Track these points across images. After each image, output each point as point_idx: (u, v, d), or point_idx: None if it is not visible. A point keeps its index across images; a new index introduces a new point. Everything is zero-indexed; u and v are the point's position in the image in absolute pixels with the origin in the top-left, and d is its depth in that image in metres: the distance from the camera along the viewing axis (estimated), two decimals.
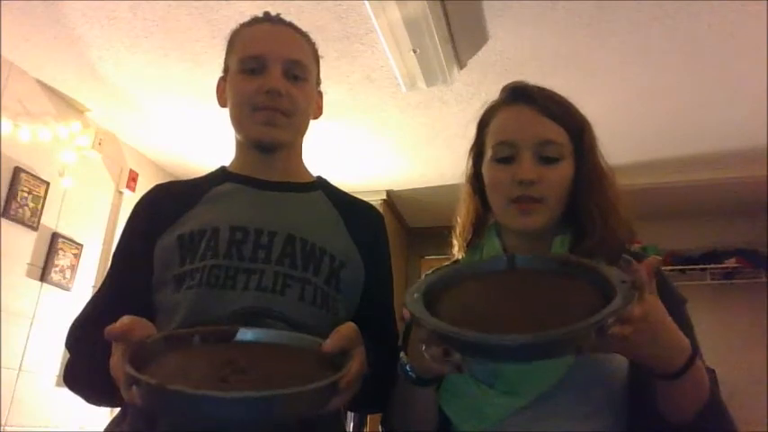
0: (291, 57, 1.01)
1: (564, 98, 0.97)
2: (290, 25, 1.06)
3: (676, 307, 0.87)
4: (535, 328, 0.62)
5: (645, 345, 0.69)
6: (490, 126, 0.98)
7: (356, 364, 0.73)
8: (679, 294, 0.90)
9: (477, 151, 1.01)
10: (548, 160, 0.91)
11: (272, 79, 0.98)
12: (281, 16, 1.08)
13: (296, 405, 0.66)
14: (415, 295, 0.73)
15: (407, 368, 0.81)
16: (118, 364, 0.70)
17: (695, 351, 0.73)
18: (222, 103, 1.07)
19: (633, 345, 0.67)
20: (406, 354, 0.83)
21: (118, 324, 0.73)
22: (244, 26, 1.07)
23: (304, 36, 1.07)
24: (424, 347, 0.72)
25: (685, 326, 0.86)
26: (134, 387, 0.66)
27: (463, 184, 1.05)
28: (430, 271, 1.09)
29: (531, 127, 0.92)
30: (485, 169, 0.98)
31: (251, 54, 1.00)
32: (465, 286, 0.78)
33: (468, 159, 1.04)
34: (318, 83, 1.11)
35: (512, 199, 0.91)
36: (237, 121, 1.03)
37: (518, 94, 0.97)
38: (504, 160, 0.93)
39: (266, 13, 1.08)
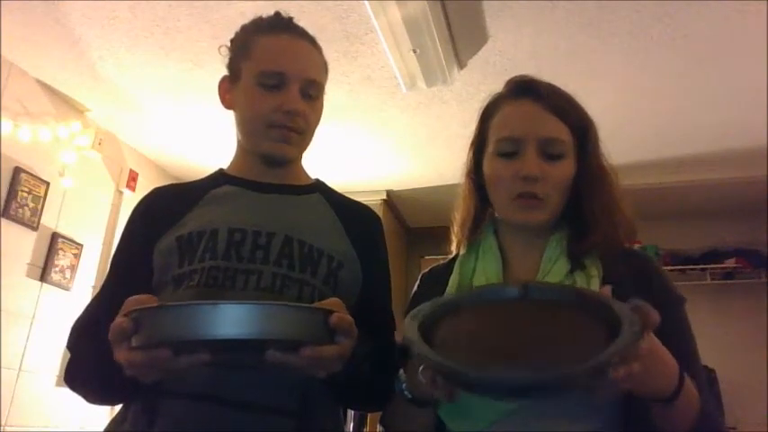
0: (310, 77, 1.01)
1: (569, 95, 0.96)
2: (307, 36, 1.05)
3: (675, 306, 0.87)
4: (536, 366, 0.60)
5: (643, 379, 0.68)
6: (494, 119, 0.97)
7: (348, 316, 0.75)
8: (678, 294, 0.89)
9: (479, 144, 1.00)
10: (552, 157, 0.90)
11: (291, 99, 0.98)
12: (292, 17, 1.06)
13: (290, 324, 0.68)
14: (414, 320, 0.73)
15: (403, 387, 0.81)
16: (116, 321, 0.72)
17: (683, 373, 0.73)
18: (227, 106, 1.06)
19: (633, 381, 0.67)
20: (405, 372, 0.82)
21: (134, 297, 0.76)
22: (261, 31, 1.03)
23: (318, 48, 1.07)
24: (420, 369, 0.72)
25: (683, 326, 0.86)
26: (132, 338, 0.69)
27: (462, 179, 1.04)
28: (426, 270, 1.09)
29: (537, 123, 0.92)
30: (486, 163, 0.97)
31: (272, 70, 0.99)
32: (471, 312, 0.77)
33: (468, 153, 1.03)
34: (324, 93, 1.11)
35: (514, 195, 0.91)
36: (249, 134, 1.03)
37: (524, 89, 0.96)
38: (508, 155, 0.92)
39: (278, 15, 1.05)
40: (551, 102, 0.93)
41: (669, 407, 0.73)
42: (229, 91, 1.06)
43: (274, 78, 0.98)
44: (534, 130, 0.91)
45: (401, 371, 0.82)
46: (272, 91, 0.98)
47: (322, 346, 0.71)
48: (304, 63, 1.01)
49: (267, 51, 1.01)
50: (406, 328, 0.71)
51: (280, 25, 1.04)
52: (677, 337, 0.74)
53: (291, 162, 1.05)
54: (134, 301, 0.75)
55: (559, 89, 0.96)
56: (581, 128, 0.94)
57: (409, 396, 0.80)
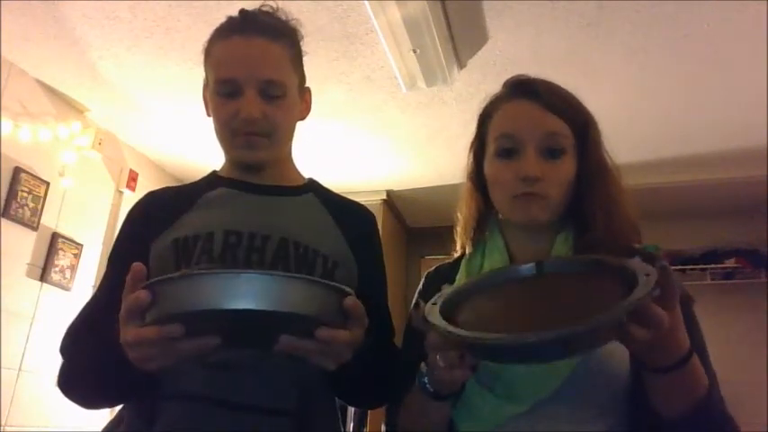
0: (266, 76, 0.96)
1: (568, 92, 0.96)
2: (266, 31, 0.99)
3: (685, 306, 0.86)
4: (558, 327, 0.61)
5: (657, 345, 0.68)
6: (492, 120, 0.97)
7: (362, 305, 0.73)
8: (687, 293, 0.88)
9: (478, 146, 1.00)
10: (552, 154, 0.90)
11: (246, 105, 0.95)
12: (257, 9, 1.03)
13: (305, 295, 0.67)
14: (433, 305, 0.73)
15: (425, 380, 0.80)
16: (133, 294, 0.69)
17: (692, 351, 0.72)
18: (208, 114, 1.06)
19: (648, 344, 0.66)
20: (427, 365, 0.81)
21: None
22: (217, 37, 1.01)
23: (282, 38, 1.00)
24: (438, 356, 0.72)
25: (693, 325, 0.85)
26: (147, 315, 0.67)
27: (464, 180, 1.04)
28: (432, 269, 1.09)
29: (536, 121, 0.91)
30: (487, 165, 0.97)
31: (224, 78, 0.97)
32: (487, 294, 0.78)
33: (468, 155, 1.03)
34: (303, 82, 1.07)
35: (515, 195, 0.91)
36: (220, 143, 1.03)
37: (522, 89, 0.96)
38: (507, 155, 0.92)
39: (242, 11, 1.02)
40: (549, 100, 0.92)
41: (664, 379, 0.72)
42: (207, 98, 1.05)
43: (228, 86, 0.96)
44: (533, 127, 0.91)
45: (423, 364, 0.81)
46: (230, 98, 0.96)
47: (337, 330, 0.69)
48: (257, 64, 0.97)
49: (220, 59, 0.99)
50: (428, 313, 0.72)
51: (234, 27, 1.00)
52: (688, 336, 0.73)
53: (271, 164, 1.03)
54: (132, 277, 0.72)
55: (557, 87, 0.96)
56: (581, 124, 0.93)
57: (431, 389, 0.79)
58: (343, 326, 0.71)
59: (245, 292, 0.64)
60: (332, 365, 0.73)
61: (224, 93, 0.97)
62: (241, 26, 0.99)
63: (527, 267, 0.81)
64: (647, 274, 0.65)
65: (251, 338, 0.74)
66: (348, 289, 0.72)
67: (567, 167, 0.91)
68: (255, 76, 0.96)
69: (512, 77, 0.99)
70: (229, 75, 0.96)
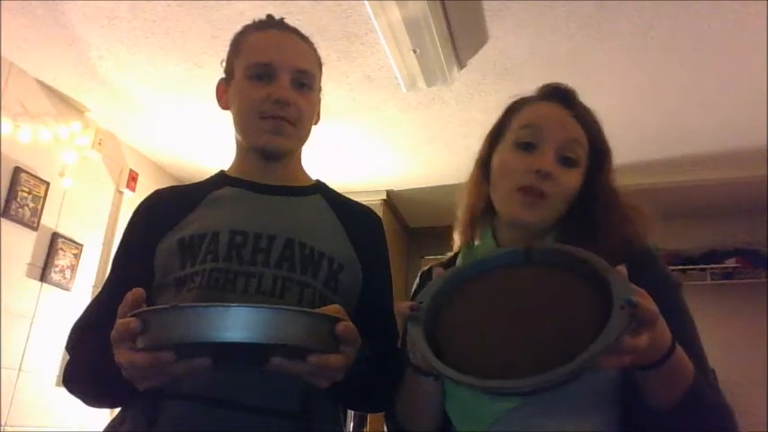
0: (300, 66, 1.01)
1: (596, 116, 0.98)
2: (297, 32, 1.06)
3: (670, 292, 0.86)
4: (534, 360, 0.65)
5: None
6: (520, 113, 0.98)
7: (352, 324, 0.74)
8: (672, 279, 0.89)
9: (496, 135, 1.01)
10: (567, 162, 0.92)
11: (281, 88, 0.98)
12: (283, 17, 1.08)
13: (301, 329, 0.68)
14: (420, 306, 0.74)
15: (411, 357, 0.80)
16: (123, 320, 0.70)
17: (674, 343, 0.72)
18: (224, 106, 1.07)
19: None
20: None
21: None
22: (250, 30, 1.06)
23: (309, 44, 1.07)
24: (414, 353, 0.73)
25: (680, 310, 0.86)
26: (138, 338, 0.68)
27: (473, 168, 1.04)
28: (425, 268, 1.09)
29: (562, 125, 0.93)
30: (500, 153, 0.97)
31: (260, 61, 1.00)
32: (476, 285, 0.79)
33: (484, 142, 1.03)
34: (319, 89, 1.11)
35: (519, 187, 0.91)
36: (243, 128, 1.03)
37: (556, 94, 0.98)
38: (525, 147, 0.93)
39: (270, 17, 1.07)
40: (580, 111, 0.95)
41: (649, 374, 0.72)
42: (225, 92, 1.07)
43: (262, 69, 0.99)
44: (558, 129, 0.93)
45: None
46: (262, 82, 0.99)
47: (328, 356, 0.71)
48: (292, 53, 1.02)
49: (255, 45, 1.03)
50: (410, 328, 0.72)
51: (268, 23, 1.06)
52: (674, 322, 0.73)
53: (289, 157, 1.05)
54: (131, 300, 0.73)
55: (588, 107, 0.98)
56: (599, 148, 0.95)
57: (414, 363, 0.80)
58: (334, 350, 0.72)
59: (234, 325, 0.65)
60: (324, 384, 0.75)
61: (256, 76, 1.00)
62: (273, 24, 1.06)
63: (515, 253, 0.80)
64: (621, 307, 0.65)
65: (243, 359, 0.76)
66: (338, 315, 0.74)
67: (575, 180, 0.92)
68: (290, 64, 1.00)
69: (549, 83, 1.01)
70: (266, 59, 1.00)
